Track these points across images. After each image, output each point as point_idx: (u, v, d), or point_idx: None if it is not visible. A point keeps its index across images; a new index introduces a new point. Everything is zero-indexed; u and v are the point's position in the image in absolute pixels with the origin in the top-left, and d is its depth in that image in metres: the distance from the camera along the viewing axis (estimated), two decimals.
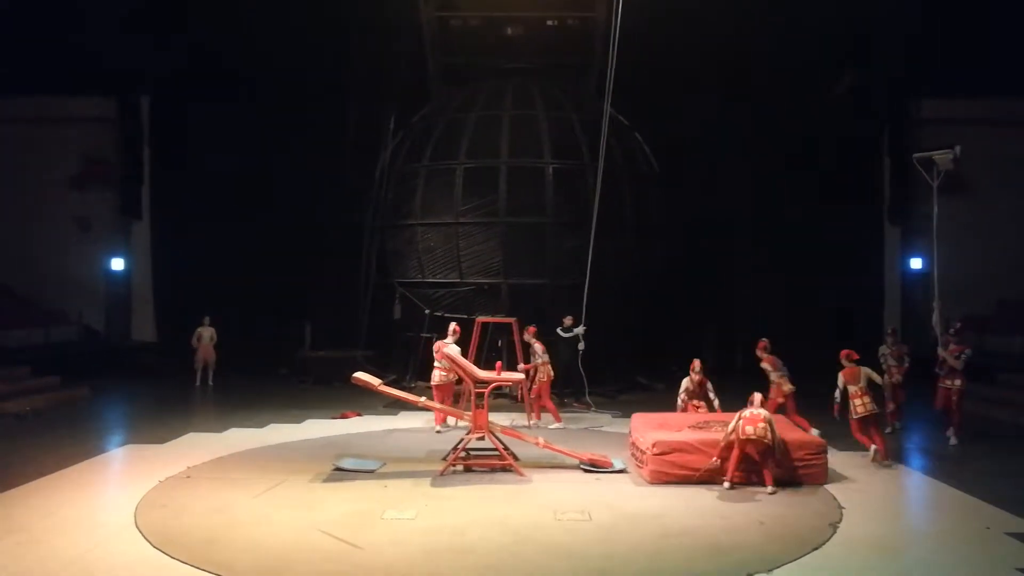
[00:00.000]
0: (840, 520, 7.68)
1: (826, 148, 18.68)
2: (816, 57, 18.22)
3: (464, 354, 11.07)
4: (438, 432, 11.96)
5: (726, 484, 8.77)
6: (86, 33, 17.89)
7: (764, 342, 11.76)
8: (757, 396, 9.29)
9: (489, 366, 11.81)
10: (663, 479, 8.93)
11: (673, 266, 17.59)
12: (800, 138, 18.78)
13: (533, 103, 17.00)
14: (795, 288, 18.78)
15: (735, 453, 8.79)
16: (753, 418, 8.79)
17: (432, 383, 12.24)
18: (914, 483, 9.37)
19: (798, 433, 9.67)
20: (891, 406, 12.08)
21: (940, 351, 11.53)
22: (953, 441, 11.32)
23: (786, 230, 18.93)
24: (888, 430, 11.67)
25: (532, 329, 13.29)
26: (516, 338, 13.20)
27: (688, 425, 9.83)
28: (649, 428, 9.70)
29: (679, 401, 11.11)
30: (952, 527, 7.69)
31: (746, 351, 16.09)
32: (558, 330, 14.03)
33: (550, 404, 13.06)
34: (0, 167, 19.90)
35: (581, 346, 13.65)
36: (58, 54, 18.25)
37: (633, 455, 9.84)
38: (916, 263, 19.74)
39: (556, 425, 12.57)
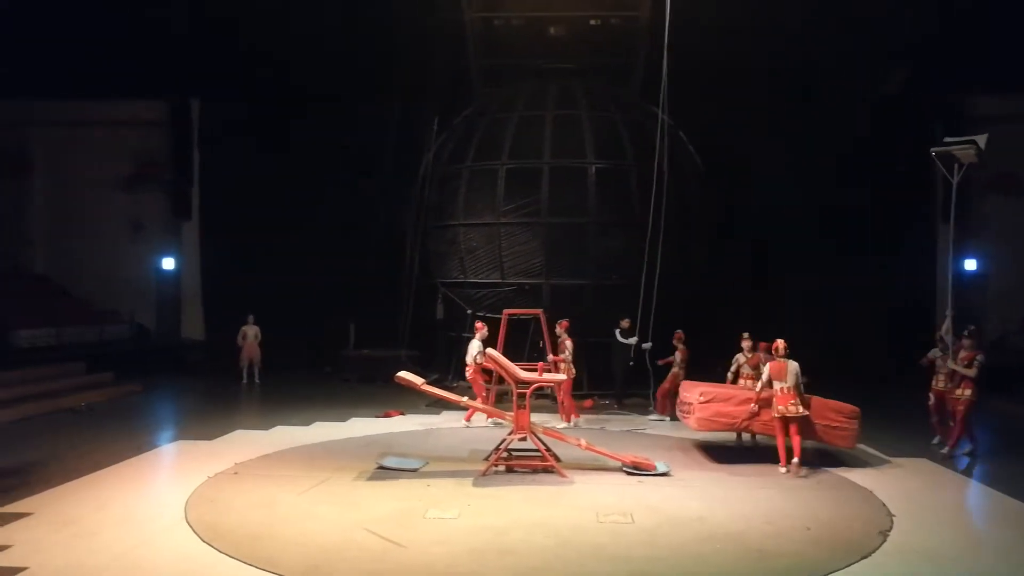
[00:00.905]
0: (891, 528, 7.50)
1: (878, 147, 18.26)
2: (867, 54, 17.83)
3: (493, 348, 11.25)
4: (466, 426, 12.54)
5: (783, 469, 9.48)
6: (138, 36, 18.32)
7: (773, 343, 11.36)
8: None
9: (531, 366, 11.80)
10: (708, 427, 10.19)
11: (717, 267, 17.39)
12: (851, 137, 18.38)
13: (576, 103, 16.95)
14: (845, 289, 18.41)
15: (780, 437, 9.57)
16: (784, 396, 9.46)
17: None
18: (969, 491, 9.11)
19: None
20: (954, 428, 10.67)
21: (949, 362, 10.57)
22: (945, 450, 10.56)
23: (836, 230, 18.57)
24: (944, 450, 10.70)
25: (564, 324, 13.05)
26: (544, 329, 13.27)
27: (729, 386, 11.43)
28: (697, 386, 10.81)
29: (729, 376, 11.79)
30: (1008, 537, 7.45)
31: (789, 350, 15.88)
32: (616, 333, 13.98)
33: (569, 401, 13.01)
34: (54, 169, 20.56)
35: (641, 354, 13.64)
36: (110, 58, 18.70)
37: (681, 411, 10.79)
38: (971, 264, 19.26)
39: (564, 425, 12.38)
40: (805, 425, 9.57)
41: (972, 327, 10.75)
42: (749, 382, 11.17)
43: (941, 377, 11.00)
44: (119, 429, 12.12)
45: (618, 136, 16.41)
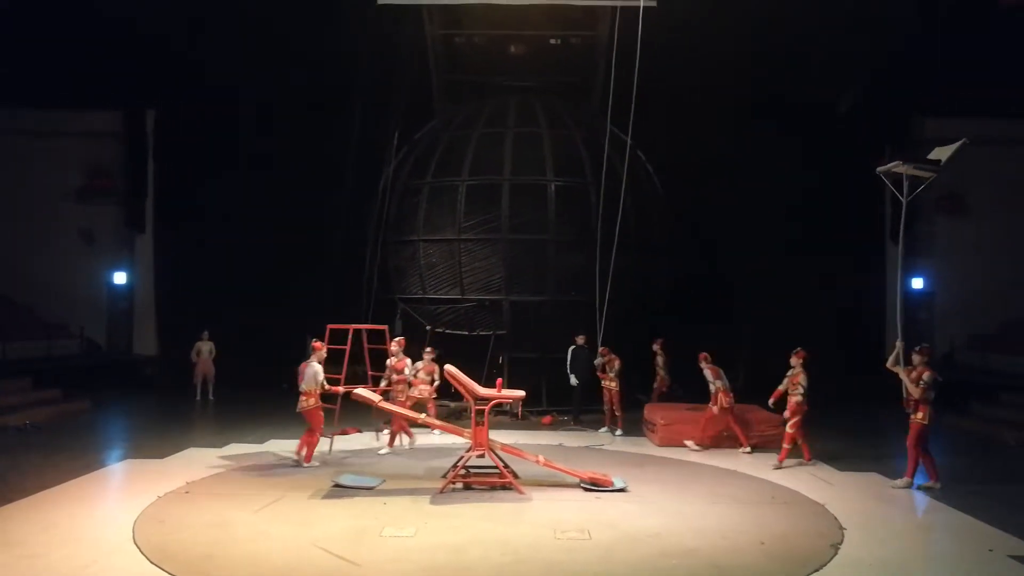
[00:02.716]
0: (841, 541, 7.63)
1: (829, 167, 18.70)
2: (820, 76, 18.28)
3: (339, 365, 11.48)
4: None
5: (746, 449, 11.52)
6: (92, 47, 18.01)
7: (705, 353, 12.41)
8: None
9: (489, 383, 11.78)
10: (668, 443, 12.20)
11: (676, 284, 17.62)
12: (803, 157, 18.80)
13: (536, 121, 17.10)
14: (797, 306, 18.75)
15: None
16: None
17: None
18: (917, 505, 9.30)
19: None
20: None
21: (905, 388, 9.86)
22: (902, 484, 9.77)
23: (788, 248, 18.94)
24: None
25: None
26: (365, 345, 12.27)
27: (686, 408, 12.96)
28: (659, 408, 13.15)
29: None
30: (955, 549, 7.65)
31: (748, 368, 16.15)
32: (570, 351, 14.12)
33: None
34: (5, 179, 20.01)
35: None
36: (64, 67, 18.37)
37: (647, 428, 13.00)
38: (918, 283, 19.78)
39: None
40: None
41: (923, 345, 10.28)
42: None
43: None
44: (67, 448, 11.79)
45: (577, 154, 16.58)
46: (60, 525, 7.87)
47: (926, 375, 9.70)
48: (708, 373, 12.20)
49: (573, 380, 14.34)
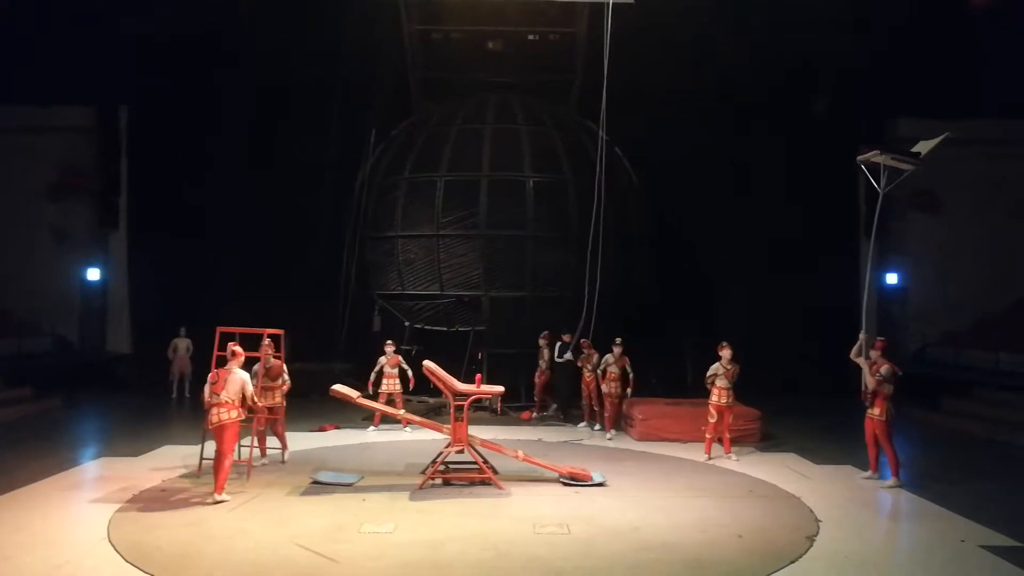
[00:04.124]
0: (817, 533, 7.72)
1: (806, 164, 18.86)
2: (797, 74, 18.44)
3: (206, 365, 9.73)
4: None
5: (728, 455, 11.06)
6: (65, 42, 17.73)
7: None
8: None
9: (469, 379, 11.77)
10: (647, 438, 12.35)
11: (654, 279, 17.71)
12: (780, 153, 18.95)
13: (514, 117, 17.11)
14: (773, 301, 18.92)
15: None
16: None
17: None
18: (891, 496, 9.42)
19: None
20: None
21: (865, 381, 9.83)
22: (891, 483, 9.64)
23: (765, 244, 19.08)
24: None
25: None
26: (216, 350, 10.14)
27: (664, 403, 13.32)
28: (638, 403, 13.15)
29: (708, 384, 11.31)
30: (928, 540, 7.76)
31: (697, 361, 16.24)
32: (556, 348, 14.14)
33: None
34: None
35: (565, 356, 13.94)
36: (37, 63, 18.06)
37: (627, 423, 13.07)
38: (892, 278, 20.03)
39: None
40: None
41: (880, 338, 10.23)
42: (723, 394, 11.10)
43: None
44: (38, 446, 11.61)
45: (555, 150, 16.60)
46: (32, 525, 7.75)
47: (884, 368, 9.72)
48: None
49: (560, 356, 14.11)
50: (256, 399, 9.29)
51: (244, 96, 18.76)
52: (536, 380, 14.86)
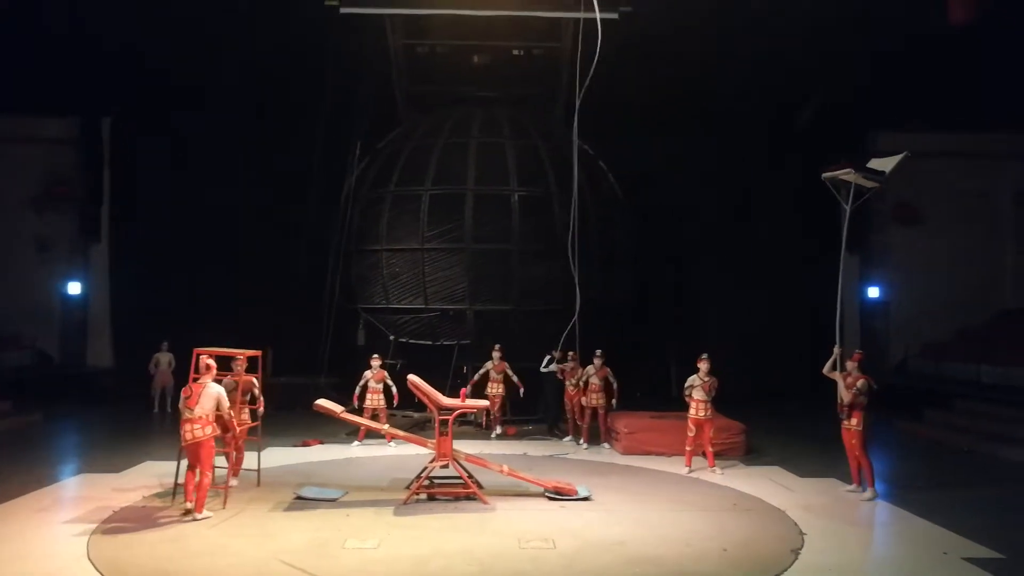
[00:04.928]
0: (802, 546, 7.74)
1: (787, 177, 19.03)
2: (780, 89, 18.62)
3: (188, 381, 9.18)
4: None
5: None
6: (49, 53, 17.64)
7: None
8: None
9: (453, 393, 11.74)
10: (631, 452, 12.29)
11: (637, 291, 17.78)
12: (762, 167, 19.11)
13: (500, 131, 17.17)
14: (757, 314, 19.03)
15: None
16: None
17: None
18: (874, 510, 9.46)
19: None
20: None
21: (840, 393, 9.89)
22: (868, 495, 9.68)
23: (749, 257, 19.22)
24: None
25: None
26: (193, 372, 9.34)
27: (649, 416, 13.20)
28: (623, 417, 13.12)
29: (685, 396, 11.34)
30: (911, 553, 7.79)
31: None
32: (543, 361, 14.09)
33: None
34: None
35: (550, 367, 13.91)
36: (20, 74, 17.94)
37: (612, 437, 13.03)
38: (874, 292, 20.20)
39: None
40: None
41: (857, 351, 10.26)
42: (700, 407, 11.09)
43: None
44: (17, 461, 11.44)
45: (541, 164, 16.66)
46: (11, 541, 7.65)
47: (860, 382, 9.76)
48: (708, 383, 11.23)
49: (546, 366, 14.06)
50: (232, 414, 9.12)
51: (229, 108, 18.73)
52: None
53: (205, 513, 8.52)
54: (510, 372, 14.16)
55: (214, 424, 8.70)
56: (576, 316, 13.06)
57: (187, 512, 8.48)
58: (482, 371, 14.29)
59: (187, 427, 8.58)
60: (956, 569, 7.21)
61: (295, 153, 18.85)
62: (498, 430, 14.18)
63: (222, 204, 18.90)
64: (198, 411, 8.59)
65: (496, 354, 14.25)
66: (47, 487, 10.06)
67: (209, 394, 8.71)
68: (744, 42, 17.28)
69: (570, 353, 13.52)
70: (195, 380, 8.94)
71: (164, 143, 19.19)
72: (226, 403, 8.88)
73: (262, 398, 10.62)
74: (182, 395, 8.84)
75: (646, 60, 17.33)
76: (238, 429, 9.71)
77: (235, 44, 17.41)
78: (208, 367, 8.92)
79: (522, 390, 14.16)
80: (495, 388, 14.19)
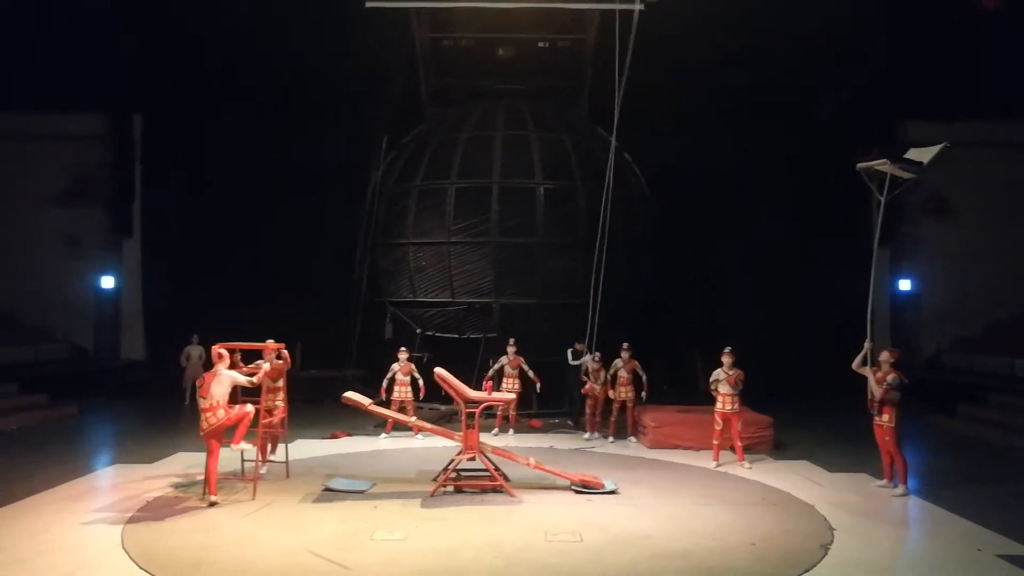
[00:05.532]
0: (831, 542, 7.67)
1: (814, 169, 18.80)
2: (805, 79, 18.39)
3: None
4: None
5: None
6: (79, 50, 17.90)
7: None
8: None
9: (479, 386, 11.79)
10: (658, 445, 12.25)
11: (663, 285, 17.69)
12: (790, 158, 18.89)
13: (524, 124, 17.13)
14: (784, 307, 18.85)
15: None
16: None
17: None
18: (906, 506, 9.34)
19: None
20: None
21: (871, 388, 9.79)
22: (900, 491, 9.58)
23: (775, 250, 19.02)
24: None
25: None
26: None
27: (676, 410, 13.05)
28: (649, 411, 13.07)
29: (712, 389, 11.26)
30: (943, 549, 7.68)
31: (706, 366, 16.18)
32: (568, 354, 14.00)
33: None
34: None
35: (581, 360, 13.66)
36: (50, 70, 18.23)
37: (639, 431, 13.03)
38: (905, 284, 19.91)
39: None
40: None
41: (894, 348, 10.16)
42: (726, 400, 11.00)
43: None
44: (54, 453, 11.69)
45: (566, 157, 16.62)
46: (47, 530, 7.81)
47: (891, 377, 9.63)
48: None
49: (575, 359, 13.96)
50: (255, 381, 9.40)
51: (256, 104, 18.89)
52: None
53: (214, 497, 8.82)
54: (526, 367, 13.99)
55: (225, 407, 8.92)
56: (594, 308, 12.86)
57: (212, 504, 8.75)
58: (497, 366, 14.04)
59: (202, 418, 8.91)
60: (990, 566, 7.10)
61: (321, 148, 18.98)
62: (510, 431, 13.81)
63: (249, 199, 19.08)
64: (209, 400, 8.85)
65: (511, 349, 14.08)
66: (82, 477, 10.27)
67: (221, 381, 8.98)
68: (770, 34, 17.07)
69: (596, 355, 13.28)
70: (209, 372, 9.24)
71: (193, 139, 19.41)
72: (242, 379, 9.18)
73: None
74: (196, 385, 9.24)
75: (671, 51, 17.18)
76: (275, 411, 10.19)
77: (261, 40, 17.54)
78: (220, 356, 9.20)
79: (538, 385, 13.98)
80: (510, 383, 13.89)
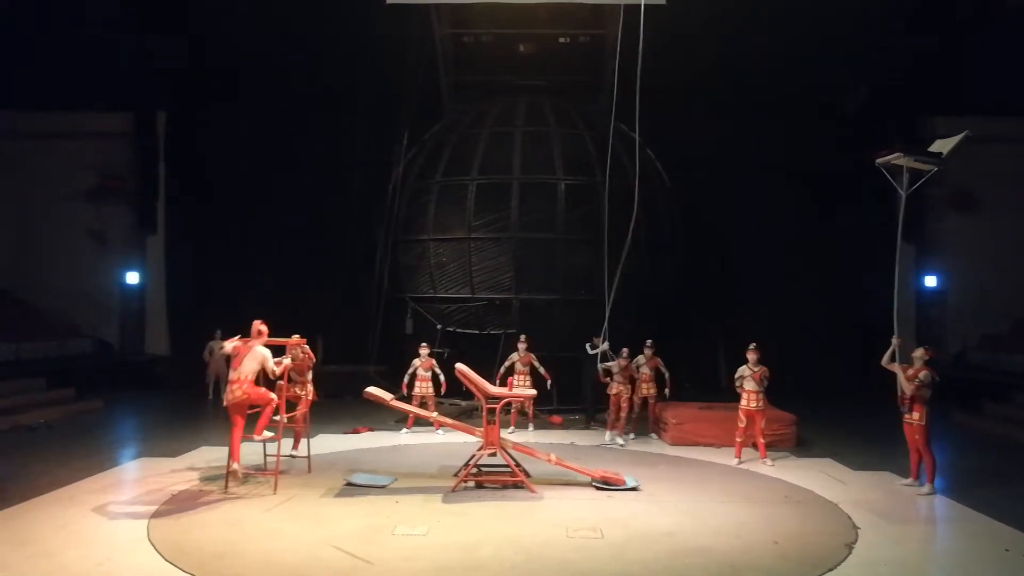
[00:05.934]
0: (856, 540, 7.59)
1: (839, 165, 18.60)
2: (829, 74, 18.19)
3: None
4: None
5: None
6: (104, 48, 18.10)
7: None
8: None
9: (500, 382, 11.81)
10: (680, 442, 12.23)
11: (685, 282, 17.59)
12: (812, 154, 18.70)
13: (545, 120, 17.11)
14: (808, 303, 18.69)
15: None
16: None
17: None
18: (931, 503, 9.23)
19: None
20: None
21: (900, 385, 9.63)
22: (926, 490, 9.44)
23: (799, 245, 18.87)
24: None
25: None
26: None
27: (698, 407, 13.03)
28: (671, 407, 13.02)
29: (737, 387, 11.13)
30: (970, 549, 7.58)
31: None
32: (587, 347, 13.90)
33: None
34: (16, 180, 20.18)
35: (605, 362, 13.15)
36: (76, 69, 18.46)
37: (660, 428, 12.98)
38: (931, 281, 19.67)
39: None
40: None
41: (927, 346, 10.01)
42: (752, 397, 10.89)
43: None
44: (80, 446, 11.86)
45: (586, 152, 16.56)
46: (74, 523, 7.91)
47: (922, 373, 9.47)
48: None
49: (594, 351, 13.49)
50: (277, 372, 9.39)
51: (277, 102, 19.02)
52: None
53: (235, 464, 9.05)
54: (536, 363, 13.79)
55: (251, 382, 9.07)
56: (609, 304, 12.72)
57: (233, 472, 9.03)
58: (507, 364, 13.83)
59: (228, 389, 9.09)
60: (1018, 566, 7.00)
61: (341, 144, 19.06)
62: (530, 427, 13.80)
63: (272, 195, 19.24)
64: (239, 372, 9.02)
65: (522, 345, 13.87)
66: (108, 470, 10.39)
67: (255, 355, 9.13)
68: (793, 28, 16.90)
69: (624, 351, 12.97)
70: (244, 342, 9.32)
71: (215, 136, 19.59)
72: (271, 363, 9.21)
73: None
74: (232, 354, 9.31)
75: (693, 47, 17.06)
76: (303, 401, 10.61)
77: (282, 37, 17.64)
78: (260, 332, 9.34)
79: (549, 382, 13.74)
80: (521, 380, 13.49)
